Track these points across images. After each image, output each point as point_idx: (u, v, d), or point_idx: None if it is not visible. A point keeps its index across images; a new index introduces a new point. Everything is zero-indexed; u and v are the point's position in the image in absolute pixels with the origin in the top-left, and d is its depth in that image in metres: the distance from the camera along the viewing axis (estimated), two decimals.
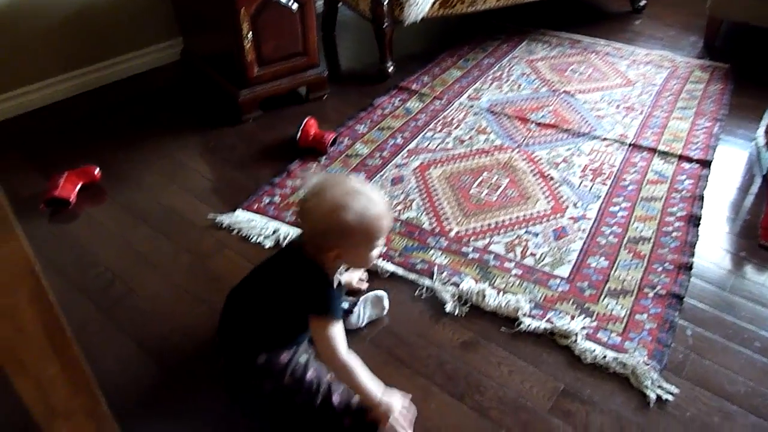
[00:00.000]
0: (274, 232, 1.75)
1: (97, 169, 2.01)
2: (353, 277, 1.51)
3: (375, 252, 1.20)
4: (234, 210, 1.86)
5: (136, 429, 1.23)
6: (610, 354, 1.36)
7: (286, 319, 1.19)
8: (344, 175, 1.19)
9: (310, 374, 1.17)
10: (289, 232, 1.74)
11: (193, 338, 1.43)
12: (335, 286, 1.22)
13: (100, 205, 1.94)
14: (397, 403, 1.16)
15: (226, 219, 1.81)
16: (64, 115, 2.48)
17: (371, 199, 1.15)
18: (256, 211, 1.84)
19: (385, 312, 1.47)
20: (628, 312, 1.47)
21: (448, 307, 1.49)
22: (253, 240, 1.73)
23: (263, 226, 1.77)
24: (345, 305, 1.39)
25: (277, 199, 1.90)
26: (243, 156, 2.16)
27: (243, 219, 1.81)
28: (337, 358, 1.14)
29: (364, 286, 1.52)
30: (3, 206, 0.64)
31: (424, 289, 1.55)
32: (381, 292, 1.47)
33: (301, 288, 1.18)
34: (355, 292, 1.49)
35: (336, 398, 1.16)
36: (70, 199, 1.91)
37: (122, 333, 1.46)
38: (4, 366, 0.71)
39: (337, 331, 1.15)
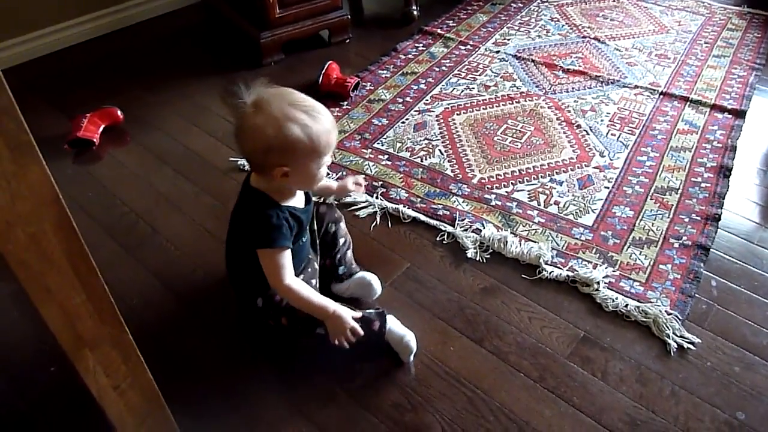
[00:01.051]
0: None
1: (119, 110, 2.00)
2: (347, 182, 1.40)
3: (323, 170, 1.14)
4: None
5: (159, 361, 1.26)
6: (632, 303, 1.35)
7: (252, 259, 1.17)
8: (282, 88, 1.12)
9: None
10: None
11: (214, 276, 1.45)
12: (291, 209, 1.17)
13: (123, 146, 1.95)
14: (345, 314, 1.17)
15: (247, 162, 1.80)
16: (86, 56, 2.46)
17: (316, 111, 1.09)
18: None
19: (374, 297, 1.36)
20: (652, 262, 1.45)
21: (469, 253, 1.48)
22: None
23: None
24: (341, 270, 1.37)
25: None
26: None
27: None
28: (280, 284, 1.14)
29: (361, 190, 1.42)
30: (27, 135, 0.64)
31: (446, 235, 1.54)
32: (371, 277, 1.35)
33: (245, 222, 1.18)
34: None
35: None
36: (94, 140, 1.91)
37: (147, 271, 1.48)
38: (32, 294, 0.72)
39: (281, 258, 1.14)
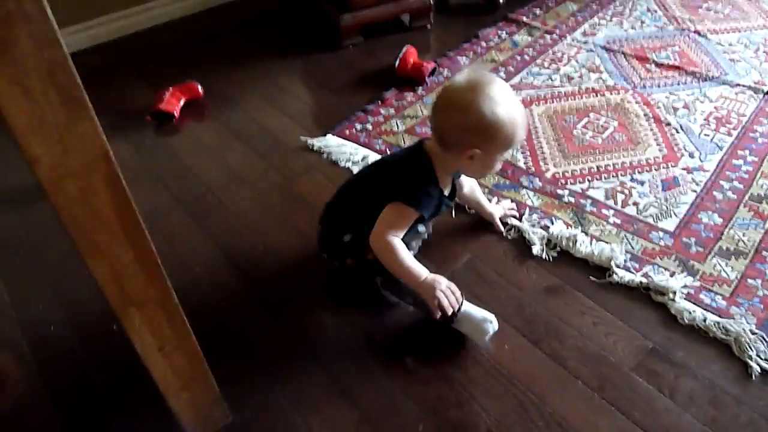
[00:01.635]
0: (363, 158, 1.72)
1: (200, 86, 2.06)
2: (501, 207, 1.48)
3: (499, 164, 1.20)
4: (326, 134, 1.84)
5: (210, 330, 1.28)
6: (712, 317, 1.23)
7: (379, 205, 1.18)
8: (495, 76, 1.17)
9: None
10: None
11: (274, 254, 1.45)
12: (442, 192, 1.21)
13: (201, 120, 2.00)
14: (442, 280, 1.16)
15: (317, 142, 1.81)
16: (175, 34, 2.55)
17: (520, 106, 1.14)
18: (348, 137, 1.82)
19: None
20: (740, 275, 1.31)
21: (535, 250, 1.41)
22: (342, 164, 1.72)
23: (353, 152, 1.75)
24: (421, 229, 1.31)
25: (369, 126, 1.86)
26: (340, 81, 2.13)
27: (333, 144, 1.79)
28: (382, 236, 1.15)
29: (514, 214, 1.49)
30: (80, 90, 0.64)
31: (512, 229, 1.47)
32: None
33: (403, 178, 1.19)
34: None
35: None
36: (174, 113, 1.98)
37: (211, 242, 1.51)
38: (82, 248, 0.73)
39: (401, 216, 1.16)
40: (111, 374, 1.22)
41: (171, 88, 2.02)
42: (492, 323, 1.19)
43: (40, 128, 0.63)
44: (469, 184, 1.41)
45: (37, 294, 1.40)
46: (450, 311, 1.15)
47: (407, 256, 1.16)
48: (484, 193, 1.56)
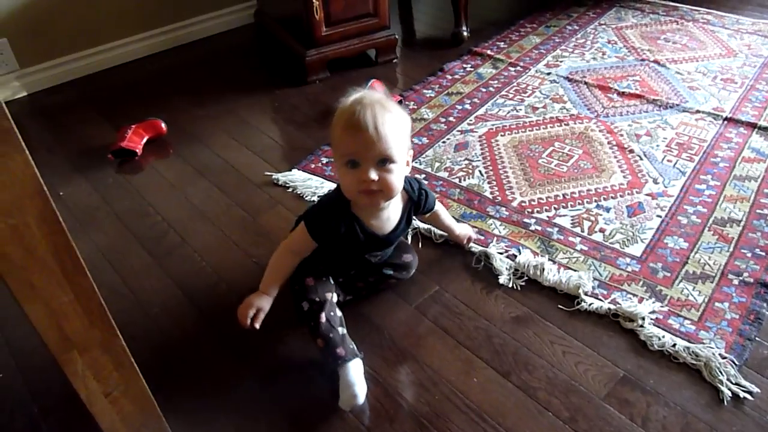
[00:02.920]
0: (328, 192, 1.70)
1: (164, 123, 2.03)
2: (466, 233, 1.45)
3: (350, 177, 1.06)
4: (291, 169, 1.82)
5: (168, 371, 1.23)
6: (682, 343, 1.21)
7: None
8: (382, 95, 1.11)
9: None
10: None
11: (236, 291, 1.40)
12: (379, 227, 1.17)
13: (164, 157, 1.97)
14: (254, 302, 1.17)
15: (282, 177, 1.78)
16: (140, 72, 2.54)
17: (366, 106, 1.03)
18: (313, 171, 1.80)
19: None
20: (707, 299, 1.31)
21: (502, 279, 1.39)
22: (307, 198, 1.69)
23: (319, 186, 1.73)
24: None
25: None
26: (306, 116, 2.12)
27: (299, 178, 1.77)
28: (280, 253, 1.20)
29: (467, 242, 1.45)
30: (8, 122, 0.61)
31: (479, 259, 1.45)
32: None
33: (318, 203, 1.26)
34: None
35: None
36: (137, 151, 1.94)
37: (171, 281, 1.46)
38: (15, 290, 0.69)
39: (298, 233, 1.17)
40: (62, 423, 1.15)
41: (134, 125, 1.99)
42: (356, 397, 1.09)
43: None
44: (440, 209, 1.37)
45: None
46: (243, 321, 1.16)
47: (275, 272, 1.19)
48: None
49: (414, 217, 1.30)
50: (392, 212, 1.20)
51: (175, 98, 2.30)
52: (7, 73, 2.31)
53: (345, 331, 1.16)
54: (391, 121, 1.05)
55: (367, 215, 1.16)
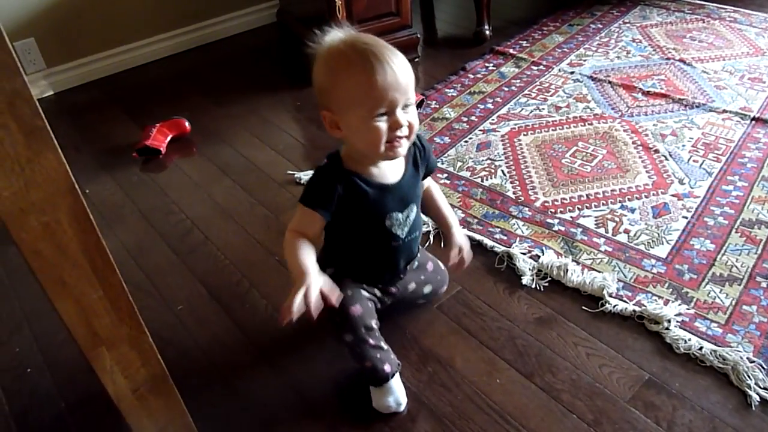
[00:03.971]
0: None
1: (187, 122, 2.05)
2: (459, 245, 1.20)
3: (381, 125, 0.95)
4: (313, 168, 1.83)
5: (192, 369, 1.24)
6: (708, 346, 1.19)
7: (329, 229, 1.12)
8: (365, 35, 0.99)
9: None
10: None
11: (260, 289, 1.42)
12: (382, 175, 1.05)
13: (188, 156, 1.99)
14: (315, 288, 0.97)
15: (304, 176, 1.79)
16: (164, 71, 2.57)
17: (379, 49, 0.93)
18: None
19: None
20: (734, 302, 1.29)
21: (525, 280, 1.38)
22: None
23: None
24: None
25: None
26: None
27: None
28: (288, 237, 1.05)
29: (454, 261, 1.21)
30: (42, 120, 0.62)
31: (501, 260, 1.44)
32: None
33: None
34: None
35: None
36: (161, 149, 1.96)
37: (195, 278, 1.48)
38: (46, 286, 0.70)
39: (300, 214, 1.04)
40: (88, 418, 1.17)
41: (158, 124, 2.02)
42: (400, 406, 1.10)
43: (0, 161, 0.60)
44: (426, 183, 1.21)
45: (13, 336, 1.36)
46: (294, 316, 0.94)
47: (296, 251, 1.02)
48: (472, 224, 1.55)
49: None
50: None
51: (198, 97, 2.32)
52: (35, 72, 2.36)
53: (386, 345, 1.12)
54: (403, 59, 0.97)
55: (365, 169, 1.04)
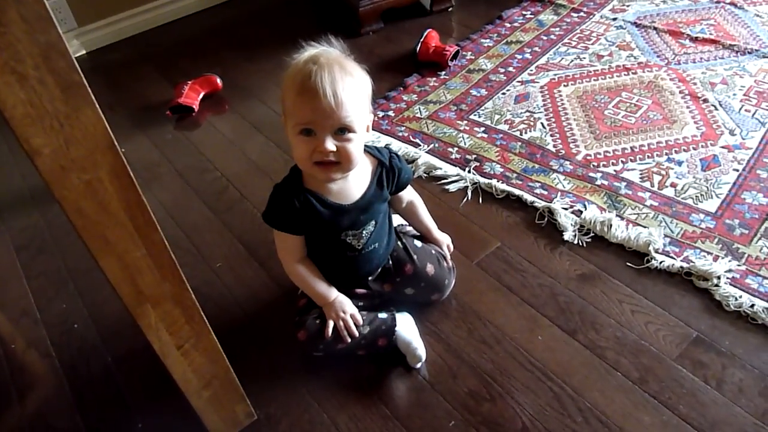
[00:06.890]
0: (385, 146, 1.67)
1: (219, 78, 2.03)
2: (443, 240, 1.25)
3: (305, 142, 0.94)
4: None
5: (234, 326, 1.25)
6: (760, 303, 1.15)
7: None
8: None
9: None
10: (401, 147, 1.66)
11: None
12: (340, 195, 1.03)
13: (220, 113, 1.97)
14: (347, 306, 1.11)
15: None
16: (192, 28, 2.53)
17: (316, 62, 0.93)
18: None
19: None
20: None
21: (567, 236, 1.34)
22: None
23: (374, 140, 1.70)
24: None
25: (391, 113, 1.81)
26: None
27: None
28: (284, 263, 1.11)
29: (446, 253, 1.23)
30: (79, 75, 0.60)
31: (542, 215, 1.40)
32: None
33: None
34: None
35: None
36: (194, 107, 1.95)
37: (232, 235, 1.48)
38: (90, 244, 0.70)
39: (280, 240, 1.08)
40: (134, 372, 1.20)
41: (190, 81, 2.00)
42: (417, 351, 1.11)
43: (39, 118, 0.59)
44: (408, 198, 1.20)
45: (60, 293, 1.39)
46: (347, 339, 1.09)
47: (310, 277, 1.10)
48: (511, 179, 1.51)
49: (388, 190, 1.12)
50: (356, 178, 1.05)
51: (227, 53, 2.29)
52: (67, 31, 2.35)
53: (369, 326, 1.12)
54: (351, 85, 0.94)
55: (322, 186, 1.03)
